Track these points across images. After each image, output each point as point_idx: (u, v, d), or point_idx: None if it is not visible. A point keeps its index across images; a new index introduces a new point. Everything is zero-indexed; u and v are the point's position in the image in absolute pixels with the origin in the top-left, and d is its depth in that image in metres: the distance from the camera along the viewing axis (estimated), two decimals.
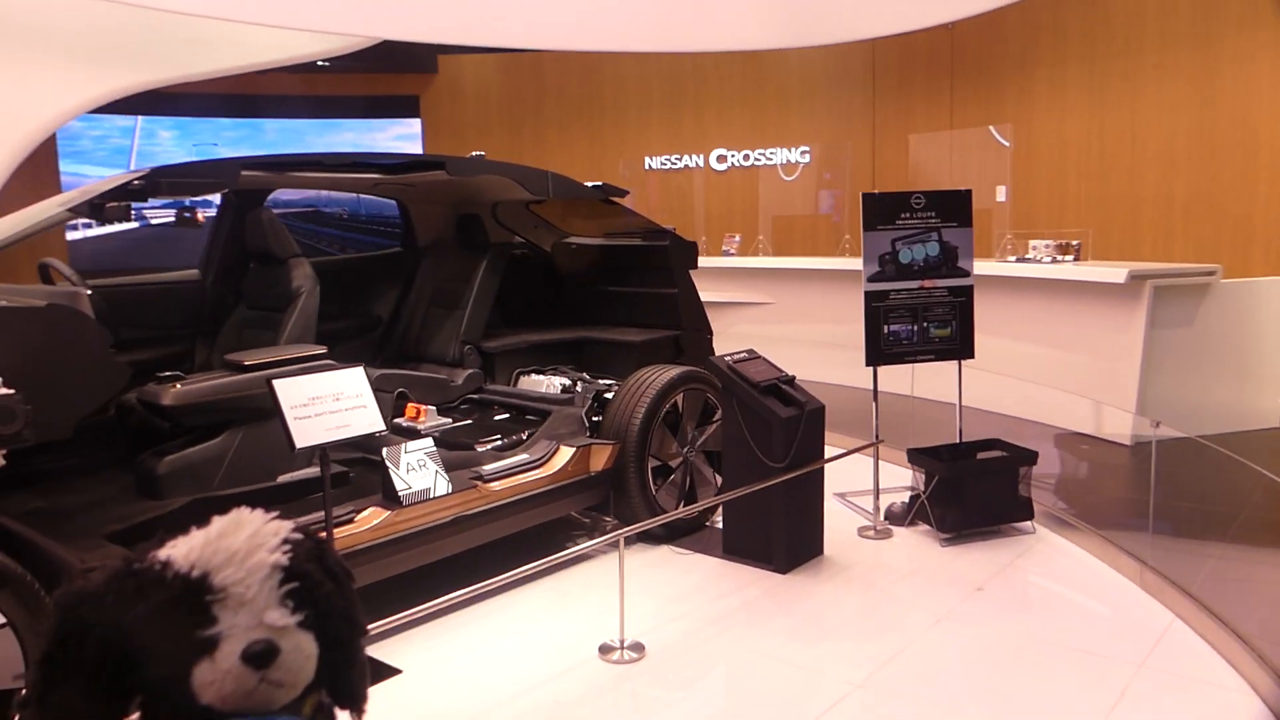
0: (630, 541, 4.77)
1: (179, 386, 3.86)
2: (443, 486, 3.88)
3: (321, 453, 3.36)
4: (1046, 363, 6.85)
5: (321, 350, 4.29)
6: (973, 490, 4.69)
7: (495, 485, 4.10)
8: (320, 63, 10.94)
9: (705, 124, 11.45)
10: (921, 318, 4.93)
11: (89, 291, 3.55)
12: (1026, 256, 7.15)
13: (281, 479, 4.04)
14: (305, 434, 3.21)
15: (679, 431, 4.85)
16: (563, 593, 4.22)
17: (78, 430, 4.02)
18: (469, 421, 4.96)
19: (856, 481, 5.32)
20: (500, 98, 12.13)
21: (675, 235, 5.77)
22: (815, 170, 10.67)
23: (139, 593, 1.12)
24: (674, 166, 11.57)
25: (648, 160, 11.63)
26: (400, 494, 3.76)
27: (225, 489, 3.90)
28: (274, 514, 1.27)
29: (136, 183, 3.73)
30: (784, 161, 10.94)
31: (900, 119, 10.12)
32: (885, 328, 4.89)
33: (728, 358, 4.56)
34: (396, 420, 4.83)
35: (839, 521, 5.02)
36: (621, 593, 3.64)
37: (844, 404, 5.75)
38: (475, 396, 5.27)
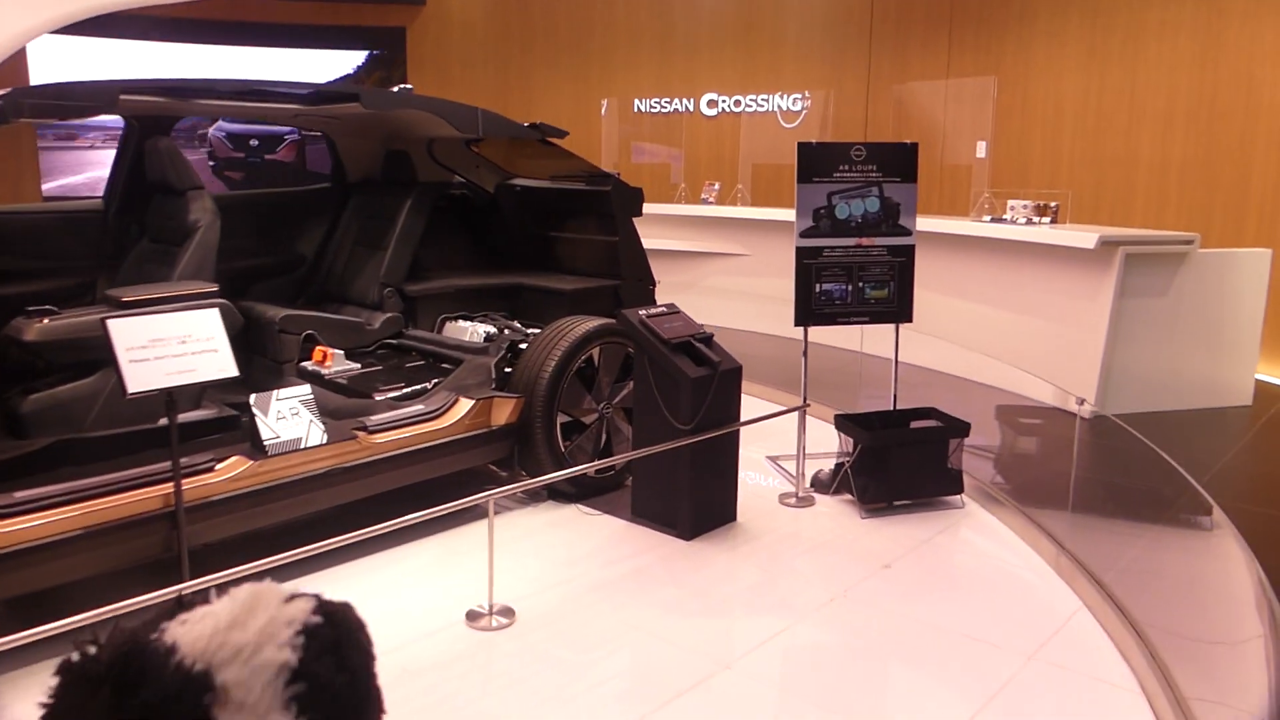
0: (537, 498, 4.60)
1: (45, 322, 3.68)
2: (316, 436, 3.69)
3: (168, 398, 3.17)
4: (1014, 328, 6.56)
5: (212, 288, 4.09)
6: (898, 461, 4.46)
7: (379, 437, 3.91)
8: None
9: (696, 67, 11.04)
10: (857, 277, 4.66)
11: None
12: (1003, 217, 6.82)
13: (163, 421, 3.88)
14: (140, 378, 3.02)
15: (595, 386, 4.63)
16: (453, 550, 4.05)
17: None
18: (379, 368, 4.77)
19: (793, 444, 5.10)
20: (487, 34, 11.75)
21: (619, 180, 5.50)
22: (816, 116, 10.27)
23: (138, 681, 1.05)
24: (663, 110, 11.20)
25: (636, 102, 11.26)
26: (266, 443, 3.57)
27: (98, 430, 3.74)
28: (294, 591, 1.17)
29: None
30: (778, 108, 10.54)
31: (896, 68, 9.69)
32: (817, 286, 4.63)
33: (642, 312, 4.33)
34: (302, 364, 4.68)
35: (763, 486, 4.82)
36: (491, 555, 3.46)
37: (814, 364, 5.51)
38: (393, 342, 5.07)
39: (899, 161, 4.62)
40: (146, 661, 1.08)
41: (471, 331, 5.13)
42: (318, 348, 4.70)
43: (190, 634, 1.10)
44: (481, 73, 11.71)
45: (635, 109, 11.27)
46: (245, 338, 4.77)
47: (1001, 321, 6.66)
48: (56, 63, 11.01)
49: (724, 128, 10.83)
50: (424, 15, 11.74)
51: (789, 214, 8.49)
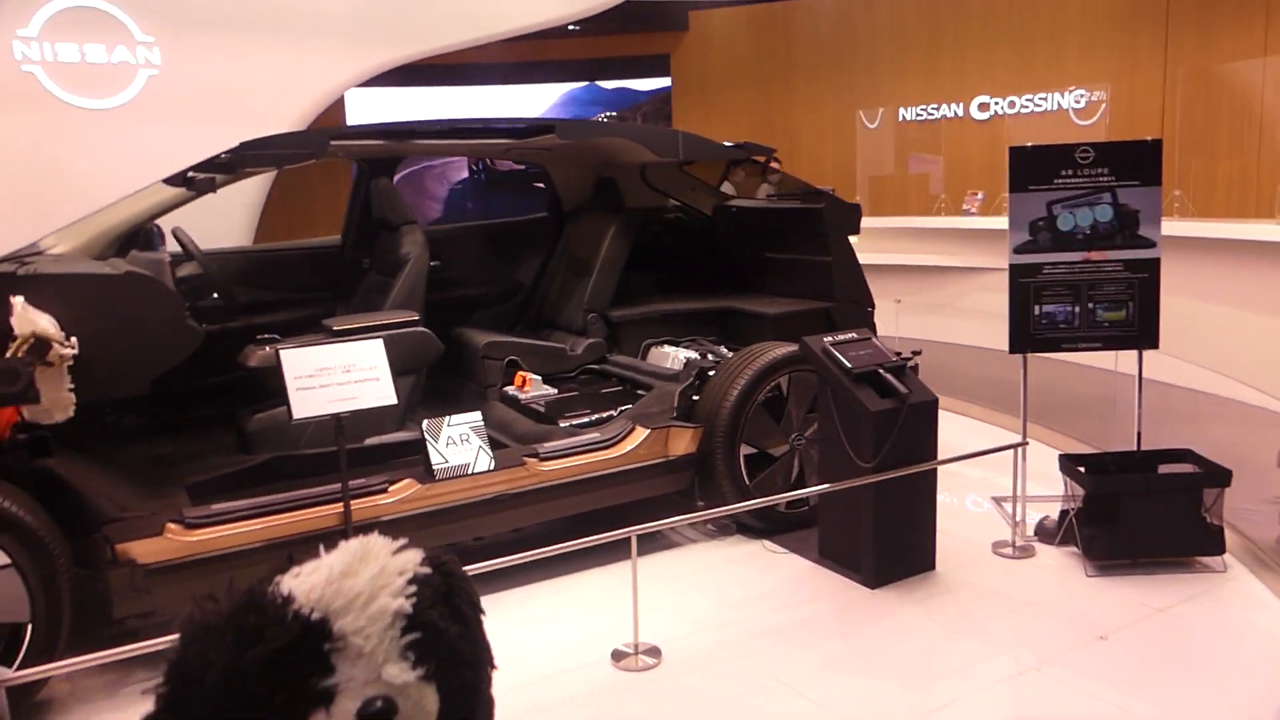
0: (726, 531, 4.43)
1: (266, 349, 4.09)
2: (484, 462, 3.79)
3: (336, 422, 3.39)
4: None
5: (413, 316, 4.35)
6: (1134, 512, 3.79)
7: (549, 465, 3.94)
8: (571, 26, 11.18)
9: (967, 69, 10.29)
10: (1086, 297, 4.04)
11: (168, 259, 3.83)
12: None
13: (369, 441, 4.17)
14: (305, 405, 3.26)
15: (785, 417, 4.39)
16: (625, 581, 3.98)
17: (205, 386, 4.39)
18: (575, 393, 4.83)
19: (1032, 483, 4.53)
20: (749, 52, 11.70)
21: (833, 197, 5.21)
22: (1114, 113, 9.17)
23: (258, 632, 1.07)
24: (929, 117, 10.55)
25: (901, 111, 10.69)
26: (435, 468, 3.72)
27: (311, 448, 4.09)
28: (402, 542, 1.19)
29: (224, 156, 3.97)
30: (1058, 106, 9.56)
31: (1201, 50, 8.42)
32: (1036, 308, 4.07)
33: (827, 338, 4.03)
34: (505, 389, 4.85)
35: (980, 531, 4.30)
36: (635, 592, 3.35)
37: (1065, 387, 4.88)
38: (596, 367, 5.13)
39: (1136, 162, 3.95)
40: (265, 611, 1.09)
41: (673, 357, 5.07)
42: (519, 373, 4.86)
43: (305, 584, 1.11)
44: (744, 93, 11.69)
45: (900, 118, 10.71)
46: (457, 363, 5.05)
47: None
48: (368, 110, 12.43)
49: (996, 132, 9.99)
50: (687, 40, 11.94)
51: None
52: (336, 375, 3.33)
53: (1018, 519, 4.24)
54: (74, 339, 3.33)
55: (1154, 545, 3.82)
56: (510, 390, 4.82)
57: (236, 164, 3.99)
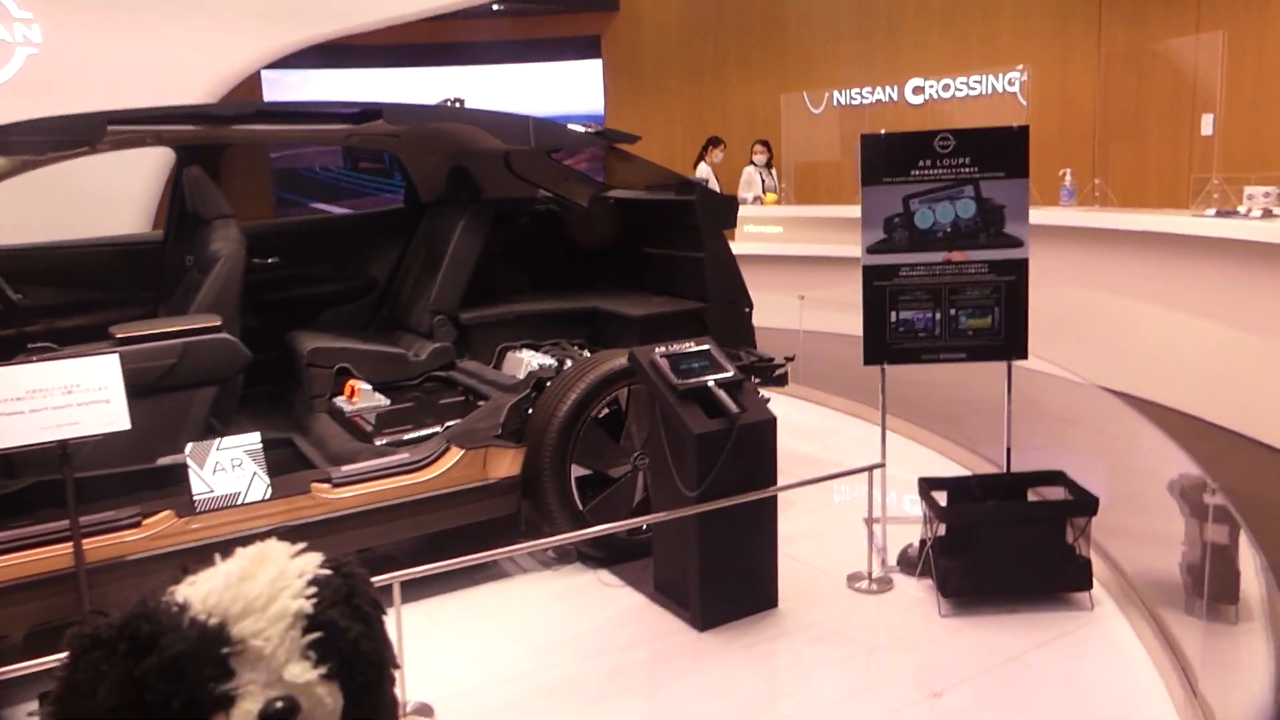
0: (566, 559, 4.02)
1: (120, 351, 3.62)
2: (258, 491, 3.35)
3: (61, 451, 2.94)
4: (1243, 350, 5.05)
5: (214, 322, 3.91)
6: (991, 544, 3.40)
7: (342, 491, 3.51)
8: (496, 6, 10.69)
9: (900, 52, 9.87)
10: (948, 302, 3.63)
11: None
12: (1235, 210, 5.29)
13: (162, 461, 3.73)
14: (8, 433, 2.80)
15: (625, 434, 3.97)
16: (434, 621, 3.57)
17: None
18: (408, 405, 4.39)
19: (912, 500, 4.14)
20: (681, 33, 11.23)
21: (704, 189, 4.78)
22: (1047, 96, 8.78)
23: (154, 640, 1.04)
24: (864, 101, 10.12)
25: (836, 95, 10.26)
26: (196, 498, 3.27)
27: (92, 470, 3.64)
28: (301, 547, 1.16)
29: None
30: (990, 90, 9.16)
31: (1134, 30, 8.03)
32: (893, 314, 3.66)
33: (660, 349, 3.60)
34: (334, 399, 4.42)
35: (841, 560, 3.89)
36: (400, 644, 2.91)
37: (977, 387, 4.50)
38: (442, 375, 4.69)
39: (1002, 151, 3.54)
40: (159, 619, 1.06)
41: (527, 363, 4.63)
42: (348, 381, 4.42)
43: (200, 590, 1.08)
44: (675, 76, 11.23)
45: (834, 102, 10.28)
46: (289, 370, 4.60)
47: (1230, 341, 5.15)
48: (292, 94, 11.88)
49: (932, 116, 9.57)
50: (617, 21, 11.46)
51: None
52: (54, 397, 2.87)
53: (878, 547, 3.84)
54: None
55: (1015, 580, 3.43)
56: (338, 401, 4.38)
57: None
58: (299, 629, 1.09)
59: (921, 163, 3.55)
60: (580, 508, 3.85)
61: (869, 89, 10.09)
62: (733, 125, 10.71)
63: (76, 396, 2.90)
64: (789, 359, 4.70)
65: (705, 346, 3.67)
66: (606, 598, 3.72)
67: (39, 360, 2.94)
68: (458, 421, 4.03)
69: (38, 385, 2.86)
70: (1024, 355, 3.65)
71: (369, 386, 4.40)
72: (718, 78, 11.03)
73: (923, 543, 3.65)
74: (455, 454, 3.73)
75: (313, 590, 1.11)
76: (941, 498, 3.62)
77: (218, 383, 3.92)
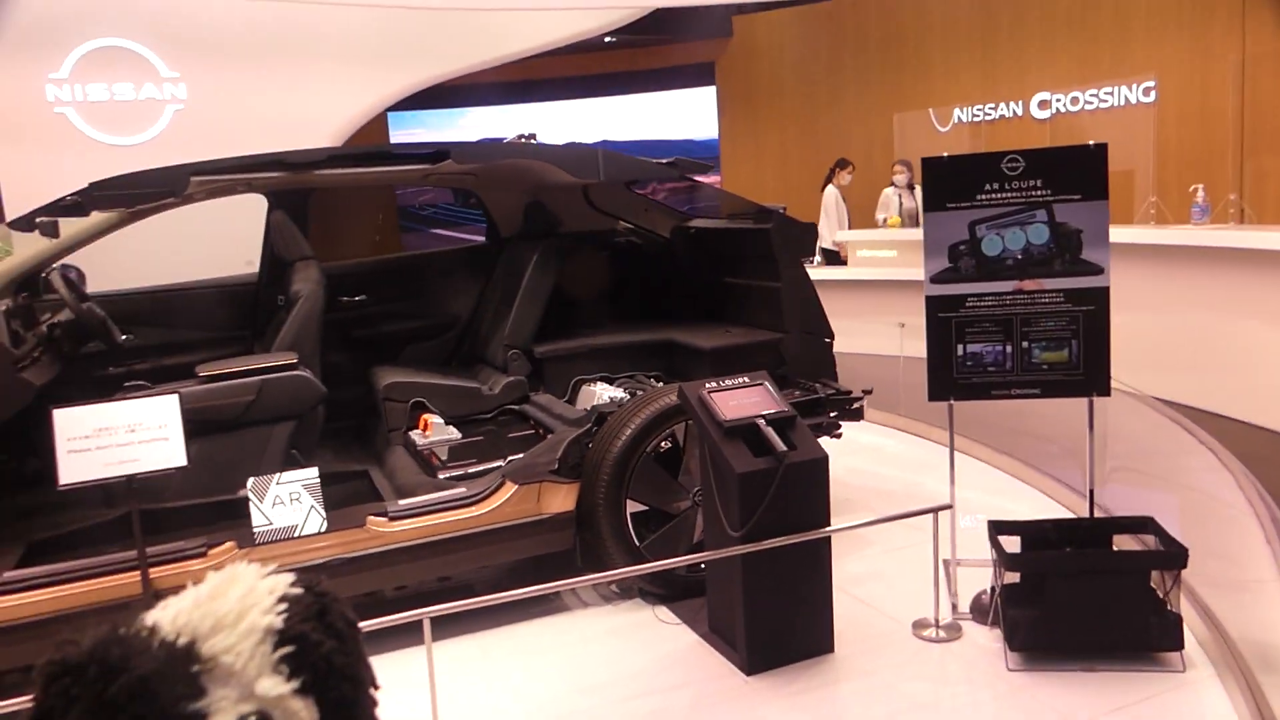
0: (628, 594, 3.95)
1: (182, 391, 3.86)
2: (314, 524, 3.45)
3: (128, 485, 3.12)
4: None
5: (290, 359, 4.09)
6: (1067, 595, 3.13)
7: (394, 526, 3.57)
8: (607, 39, 10.85)
9: (1025, 64, 9.41)
10: (1020, 334, 3.39)
11: (3, 309, 3.66)
12: None
13: (244, 493, 3.91)
14: (75, 469, 2.99)
15: (683, 470, 3.89)
16: (487, 652, 3.58)
17: None
18: (478, 439, 4.45)
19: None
20: (795, 55, 11.08)
21: (782, 216, 4.67)
22: (1185, 108, 8.20)
23: (123, 662, 1.04)
24: (988, 118, 9.71)
25: (957, 113, 9.89)
26: (255, 530, 3.40)
27: (179, 500, 3.86)
28: (270, 569, 1.17)
29: (71, 198, 3.78)
30: (1122, 101, 8.61)
31: None
32: (960, 348, 3.44)
33: (711, 383, 3.52)
34: (409, 433, 4.53)
35: (911, 604, 3.67)
36: (432, 682, 2.92)
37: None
38: (516, 408, 4.73)
39: (1078, 172, 3.28)
40: (129, 642, 1.06)
41: (599, 396, 4.62)
42: (422, 415, 4.52)
43: (170, 612, 1.08)
44: (790, 99, 11.09)
45: (955, 119, 9.91)
46: (372, 405, 4.75)
47: None
48: (418, 135, 12.40)
49: (1060, 131, 9.08)
50: (731, 47, 11.42)
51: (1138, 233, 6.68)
52: (118, 436, 3.05)
53: (949, 592, 3.61)
54: None
55: (1093, 636, 3.14)
56: (413, 435, 4.49)
57: (86, 205, 3.81)
58: (269, 644, 1.09)
59: (989, 186, 3.34)
60: (636, 544, 3.79)
61: (990, 105, 9.67)
62: (851, 146, 10.47)
63: (138, 434, 3.07)
64: (866, 392, 4.51)
65: (760, 380, 3.55)
66: (660, 636, 3.64)
67: (103, 401, 3.14)
68: (520, 456, 4.05)
69: (103, 424, 3.05)
70: (1105, 391, 3.36)
71: (441, 420, 4.48)
72: (834, 99, 10.82)
73: (993, 590, 3.40)
74: (509, 489, 3.74)
75: (283, 607, 1.11)
76: (1014, 544, 3.37)
77: (295, 417, 4.08)
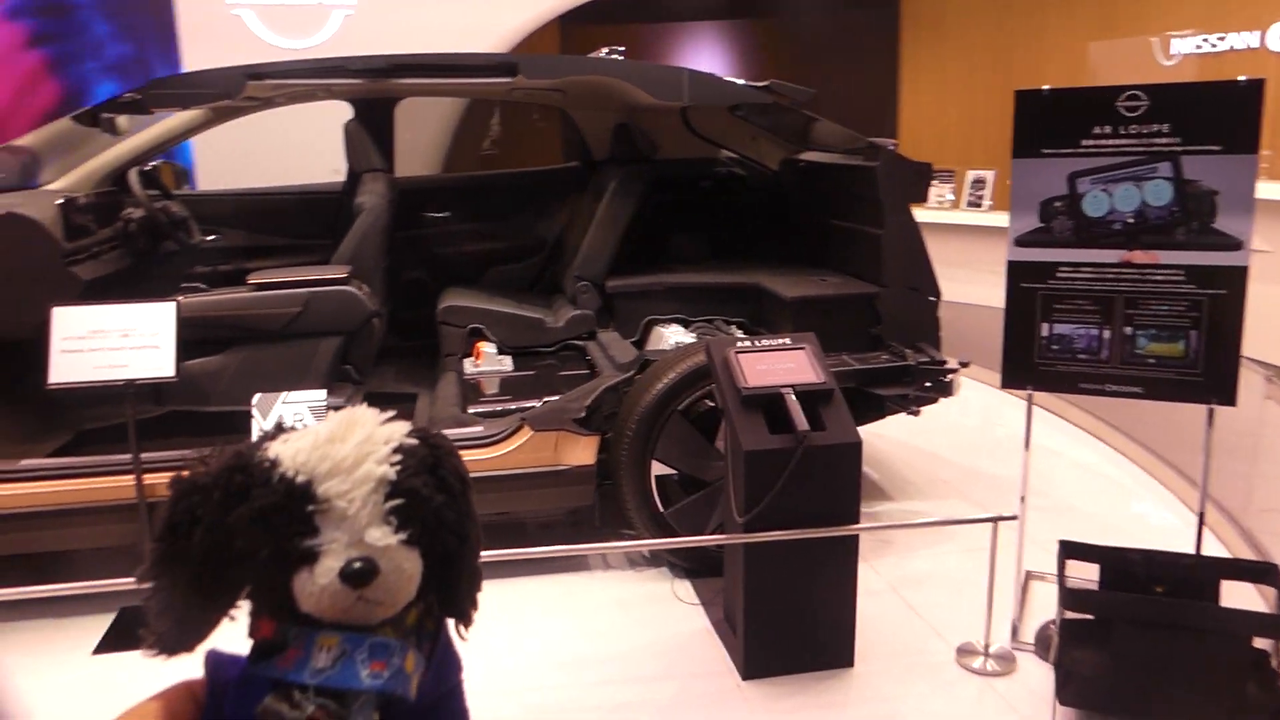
0: (656, 562, 3.63)
1: (184, 299, 3.86)
2: None
3: (128, 389, 3.07)
4: None
5: (340, 274, 3.96)
6: (1138, 647, 2.53)
7: None
8: None
9: None
10: (1122, 317, 2.72)
11: (60, 201, 3.67)
12: None
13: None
14: (65, 369, 2.96)
15: (719, 435, 3.47)
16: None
17: None
18: (530, 373, 4.20)
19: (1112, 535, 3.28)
20: None
21: (891, 154, 4.07)
22: None
23: (245, 491, 1.11)
24: (1212, 49, 8.30)
25: (1174, 43, 8.52)
26: None
27: (221, 405, 3.85)
28: (391, 414, 1.20)
29: (130, 95, 3.74)
30: None
31: None
32: (1045, 327, 2.82)
33: (744, 343, 3.07)
34: (463, 360, 4.34)
35: (966, 622, 3.14)
36: None
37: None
38: (579, 344, 4.43)
39: (1220, 116, 2.54)
40: (252, 472, 1.11)
41: (668, 340, 4.25)
42: (476, 343, 4.31)
43: (291, 448, 1.12)
44: (982, 24, 9.92)
45: (1172, 51, 8.54)
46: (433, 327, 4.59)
47: None
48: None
49: None
50: None
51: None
52: (111, 339, 2.99)
53: (1017, 616, 3.06)
54: None
55: (1166, 704, 2.53)
56: (466, 363, 4.29)
57: (145, 103, 3.76)
58: (382, 494, 1.11)
59: (1098, 129, 2.66)
60: (660, 509, 3.45)
61: (1218, 35, 8.25)
62: (1046, 75, 9.27)
63: (131, 340, 3.00)
64: (963, 364, 3.89)
65: (801, 344, 3.07)
66: (670, 615, 3.30)
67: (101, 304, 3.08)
68: (556, 398, 3.77)
69: (98, 327, 2.99)
70: (1230, 399, 2.66)
71: (493, 350, 4.26)
72: (1032, 24, 9.59)
73: (1055, 623, 2.83)
74: (525, 434, 3.46)
75: (398, 458, 1.13)
76: (1087, 572, 2.77)
77: (342, 333, 3.96)
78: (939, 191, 8.96)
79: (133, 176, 4.14)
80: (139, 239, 4.16)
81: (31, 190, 3.92)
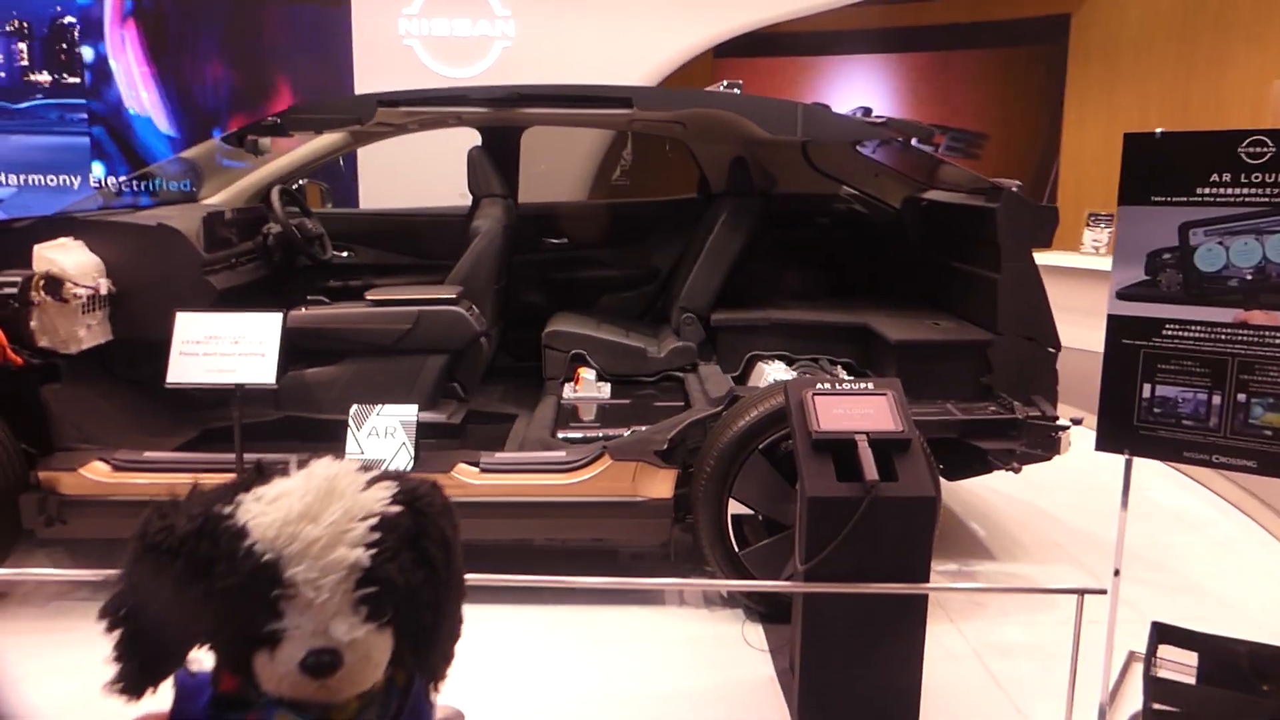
0: (734, 603, 3.57)
1: (302, 310, 4.11)
2: (402, 460, 3.42)
3: (238, 391, 3.28)
4: None
5: (450, 294, 4.11)
6: None
7: (481, 479, 3.44)
8: None
9: None
10: (1236, 382, 2.48)
11: (204, 215, 3.98)
12: None
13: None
14: (181, 370, 3.19)
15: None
16: (556, 632, 3.39)
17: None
18: (626, 402, 4.21)
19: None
20: (1173, 11, 9.25)
21: (1013, 195, 3.89)
22: None
23: (208, 565, 1.07)
24: None
25: None
26: (346, 456, 3.43)
27: (332, 414, 4.06)
28: (373, 475, 1.17)
29: (271, 119, 4.03)
30: None
31: None
32: (1147, 388, 2.60)
33: (824, 384, 2.98)
34: (565, 384, 4.42)
35: (1058, 699, 2.93)
36: None
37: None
38: (680, 376, 4.42)
39: None
40: (218, 541, 1.08)
41: (769, 377, 4.19)
42: (578, 369, 4.37)
43: (263, 520, 1.08)
44: (1159, 59, 9.32)
45: None
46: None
47: None
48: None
49: None
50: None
51: None
52: (223, 345, 3.21)
53: (1108, 699, 2.81)
54: (101, 281, 3.65)
55: None
56: (567, 387, 4.36)
57: (285, 127, 4.05)
58: (352, 582, 1.06)
59: (1215, 177, 2.44)
60: (735, 549, 3.38)
61: None
62: (1229, 116, 8.62)
63: (240, 347, 3.21)
64: (1075, 421, 3.64)
65: (884, 390, 2.95)
66: (735, 660, 3.22)
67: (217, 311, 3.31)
68: (645, 429, 3.76)
69: (213, 333, 3.22)
70: None
71: (592, 376, 4.30)
72: (1216, 58, 8.93)
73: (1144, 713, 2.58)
74: (604, 463, 3.48)
75: (375, 537, 1.08)
76: (1182, 659, 2.53)
77: (449, 351, 4.10)
78: (1095, 236, 8.43)
79: (274, 195, 4.44)
80: (275, 252, 4.46)
81: (189, 204, 4.28)
